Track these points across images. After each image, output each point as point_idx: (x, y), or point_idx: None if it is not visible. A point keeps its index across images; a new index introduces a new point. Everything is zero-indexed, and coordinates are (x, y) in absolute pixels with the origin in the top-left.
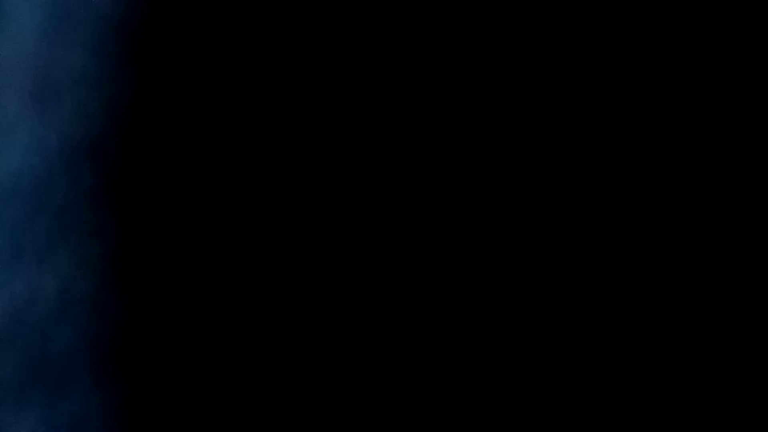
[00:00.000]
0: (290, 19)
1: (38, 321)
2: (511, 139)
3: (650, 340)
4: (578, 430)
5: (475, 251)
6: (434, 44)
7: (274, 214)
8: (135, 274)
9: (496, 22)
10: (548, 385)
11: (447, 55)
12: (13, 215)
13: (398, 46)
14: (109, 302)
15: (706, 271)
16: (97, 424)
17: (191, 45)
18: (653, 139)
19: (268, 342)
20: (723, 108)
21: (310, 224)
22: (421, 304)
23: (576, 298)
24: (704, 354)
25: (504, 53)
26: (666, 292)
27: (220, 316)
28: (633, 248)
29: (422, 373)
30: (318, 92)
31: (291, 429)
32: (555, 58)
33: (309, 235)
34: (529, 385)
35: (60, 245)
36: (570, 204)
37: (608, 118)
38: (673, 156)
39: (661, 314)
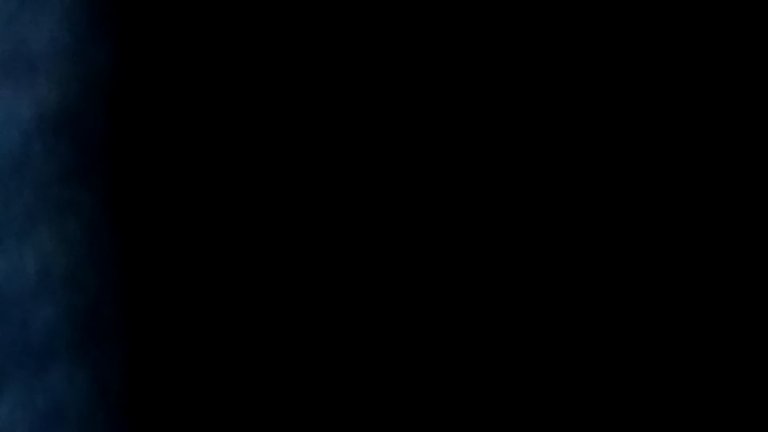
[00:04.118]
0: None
1: (18, 298)
2: (511, 139)
3: (650, 340)
4: (578, 430)
5: (475, 251)
6: (434, 44)
7: (258, 193)
8: (115, 250)
9: (496, 22)
10: (548, 385)
11: (447, 55)
12: None
13: (398, 46)
14: (89, 279)
15: (706, 271)
16: (78, 402)
17: (172, 13)
18: (653, 139)
19: (247, 325)
20: (723, 108)
21: (303, 212)
22: (421, 305)
23: (576, 298)
24: (704, 354)
25: (504, 53)
26: (666, 292)
27: (203, 293)
28: (633, 248)
29: (422, 373)
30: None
31: (277, 415)
32: (555, 58)
33: (302, 225)
34: (529, 386)
35: (40, 222)
36: (570, 204)
37: (608, 118)
38: (673, 156)
39: (661, 314)
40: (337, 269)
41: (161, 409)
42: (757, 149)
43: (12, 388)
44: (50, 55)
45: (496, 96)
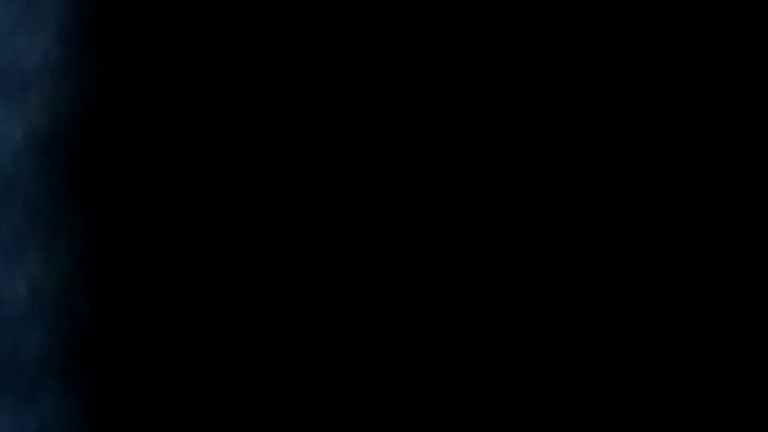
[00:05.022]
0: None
1: (8, 322)
2: (511, 139)
3: (650, 340)
4: (578, 430)
5: (474, 251)
6: (434, 44)
7: (246, 208)
8: (105, 272)
9: (496, 22)
10: (548, 385)
11: (447, 55)
12: None
13: (398, 46)
14: (79, 301)
15: (705, 271)
16: (67, 426)
17: (162, 31)
18: (653, 139)
19: (241, 340)
20: (723, 108)
21: (285, 222)
22: (421, 304)
23: (576, 298)
24: (704, 354)
25: (504, 53)
26: (666, 292)
27: (191, 315)
28: (633, 248)
29: (422, 373)
30: (306, 84)
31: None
32: (555, 58)
33: (284, 233)
34: (528, 386)
35: (30, 244)
36: (570, 204)
37: (608, 118)
38: (673, 156)
39: (661, 314)
40: (334, 289)
41: None
42: (757, 149)
43: (3, 412)
44: (43, 73)
45: (496, 96)
